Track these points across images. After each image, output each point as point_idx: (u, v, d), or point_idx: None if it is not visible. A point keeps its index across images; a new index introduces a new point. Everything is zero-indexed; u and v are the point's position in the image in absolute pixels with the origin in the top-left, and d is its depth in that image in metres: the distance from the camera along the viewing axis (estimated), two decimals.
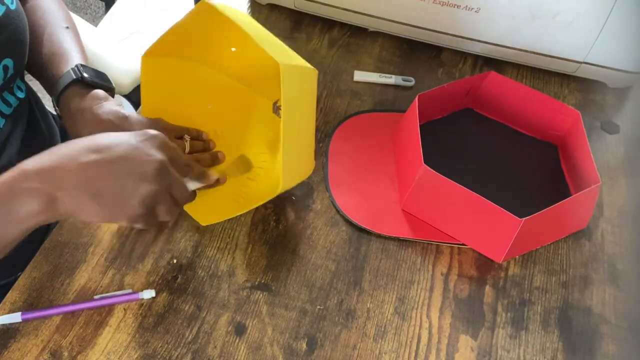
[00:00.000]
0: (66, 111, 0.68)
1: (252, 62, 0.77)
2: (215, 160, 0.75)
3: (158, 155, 0.53)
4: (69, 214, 0.52)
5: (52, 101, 0.70)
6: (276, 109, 0.80)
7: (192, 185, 0.63)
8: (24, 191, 0.50)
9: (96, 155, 0.51)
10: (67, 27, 0.77)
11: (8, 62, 0.68)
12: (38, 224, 0.52)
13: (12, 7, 0.68)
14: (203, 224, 0.71)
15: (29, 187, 0.50)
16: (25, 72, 0.78)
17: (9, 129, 0.73)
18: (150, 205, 0.53)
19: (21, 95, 0.76)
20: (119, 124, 0.65)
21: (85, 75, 0.68)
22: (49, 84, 0.71)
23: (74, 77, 0.68)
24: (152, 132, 0.55)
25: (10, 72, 0.69)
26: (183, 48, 0.74)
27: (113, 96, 0.71)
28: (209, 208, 0.71)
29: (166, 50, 0.73)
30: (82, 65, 0.70)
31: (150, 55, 0.72)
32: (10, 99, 0.74)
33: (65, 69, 0.69)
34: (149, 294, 0.66)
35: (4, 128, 0.72)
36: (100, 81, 0.70)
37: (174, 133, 0.71)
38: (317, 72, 0.72)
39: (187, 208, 0.71)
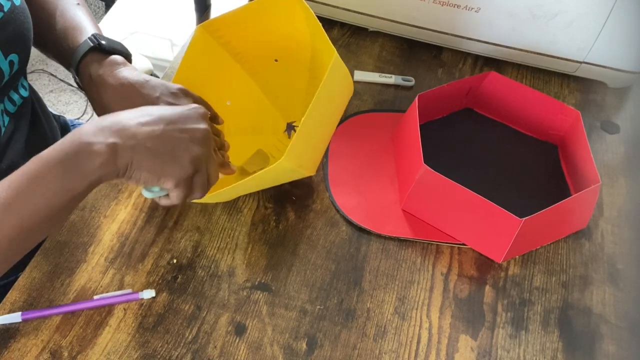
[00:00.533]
0: (86, 79, 0.69)
1: (282, 77, 0.80)
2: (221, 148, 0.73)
3: (204, 124, 0.58)
4: (127, 168, 0.55)
5: (72, 73, 0.71)
6: (289, 128, 0.82)
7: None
8: (89, 145, 0.53)
9: (152, 117, 0.56)
10: (78, 4, 0.77)
11: (14, 57, 0.68)
12: (101, 178, 0.54)
13: (17, 2, 0.69)
14: (211, 201, 0.72)
15: (94, 142, 0.53)
16: (27, 72, 0.78)
17: (12, 128, 0.73)
18: (195, 168, 0.57)
19: (25, 94, 0.76)
20: (140, 86, 0.66)
21: (103, 42, 0.69)
22: (66, 57, 0.72)
23: (91, 44, 0.69)
24: (196, 105, 0.60)
25: (16, 67, 0.70)
26: (231, 36, 0.77)
27: (130, 62, 0.72)
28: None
29: (219, 31, 0.76)
30: (97, 34, 0.71)
31: (204, 29, 0.76)
32: (15, 97, 0.74)
33: (82, 39, 0.70)
34: (149, 294, 0.66)
35: (8, 127, 0.73)
36: (118, 47, 0.71)
37: (193, 100, 0.70)
38: (352, 91, 0.74)
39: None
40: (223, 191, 0.64)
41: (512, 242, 0.67)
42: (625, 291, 0.70)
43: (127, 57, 0.72)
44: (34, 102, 0.82)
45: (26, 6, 0.71)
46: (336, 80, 0.68)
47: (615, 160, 0.84)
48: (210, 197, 0.67)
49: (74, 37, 0.72)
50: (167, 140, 0.55)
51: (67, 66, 0.73)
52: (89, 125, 0.54)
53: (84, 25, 0.74)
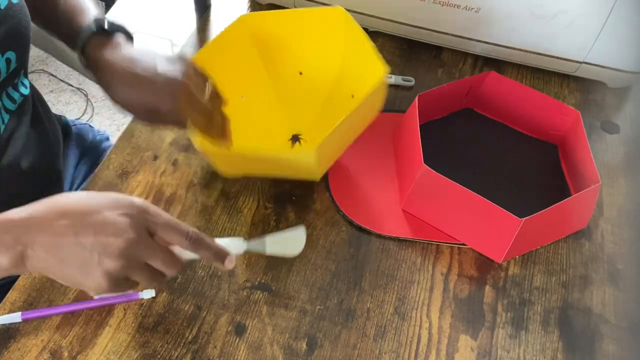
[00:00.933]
0: (92, 61, 0.69)
1: (301, 89, 0.81)
2: (223, 130, 0.70)
3: (129, 232, 0.50)
4: (38, 272, 0.52)
5: (77, 54, 0.71)
6: (294, 139, 0.82)
7: (187, 255, 0.56)
8: None
9: (67, 221, 0.50)
10: None
11: (10, 54, 0.69)
12: (5, 275, 0.51)
13: (15, 0, 0.69)
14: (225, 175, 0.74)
15: (1, 240, 0.49)
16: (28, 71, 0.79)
17: (13, 125, 0.73)
18: (116, 278, 0.51)
19: (25, 92, 0.76)
20: (138, 58, 0.67)
21: (105, 25, 0.70)
22: (71, 39, 0.72)
23: (94, 28, 0.69)
24: (135, 202, 0.53)
25: (13, 65, 0.70)
26: (266, 37, 0.78)
27: (132, 41, 0.73)
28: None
29: (257, 28, 0.78)
30: (99, 17, 0.72)
31: (244, 21, 0.78)
32: (15, 94, 0.74)
33: (85, 22, 0.71)
34: (149, 293, 0.66)
35: (9, 124, 0.73)
36: (120, 28, 0.72)
37: (189, 66, 0.68)
38: (374, 116, 0.75)
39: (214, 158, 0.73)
40: (231, 154, 0.67)
41: (512, 242, 0.67)
42: (625, 291, 0.70)
43: (130, 36, 0.72)
44: (35, 101, 0.82)
45: (24, 3, 0.71)
46: (377, 98, 0.71)
47: (615, 160, 0.84)
48: (219, 154, 0.69)
49: (77, 20, 0.72)
50: (76, 252, 0.50)
51: (72, 47, 0.73)
52: (8, 216, 0.50)
53: (87, 6, 0.75)
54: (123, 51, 0.68)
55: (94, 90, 2.00)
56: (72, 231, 0.50)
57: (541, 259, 0.73)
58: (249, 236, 0.72)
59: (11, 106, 0.73)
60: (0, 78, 0.68)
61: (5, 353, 0.61)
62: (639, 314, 0.69)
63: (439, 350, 0.64)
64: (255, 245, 0.62)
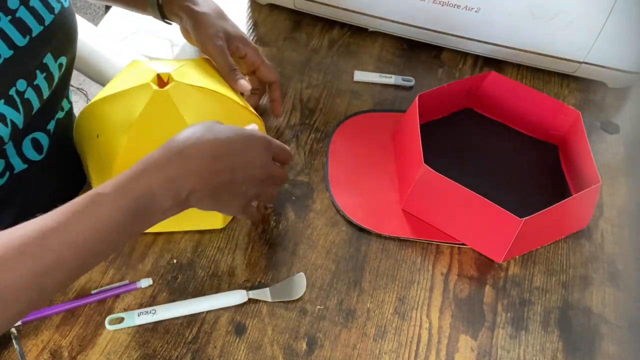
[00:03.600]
0: (176, 10, 0.75)
1: None
2: None
3: (267, 164, 0.60)
4: (192, 206, 0.57)
5: (153, 10, 0.78)
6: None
7: None
8: (158, 200, 0.54)
9: (222, 163, 0.57)
10: None
11: (63, 59, 0.69)
12: (167, 218, 0.57)
13: (66, 4, 0.70)
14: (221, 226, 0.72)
15: (162, 197, 0.54)
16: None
17: (59, 137, 0.76)
18: (251, 201, 0.62)
19: (67, 106, 0.78)
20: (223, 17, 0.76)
21: None
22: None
23: None
24: (258, 134, 0.60)
25: (64, 69, 0.71)
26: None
27: None
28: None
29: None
30: None
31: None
32: (66, 105, 0.77)
33: None
34: (146, 282, 0.66)
35: (53, 136, 0.74)
36: None
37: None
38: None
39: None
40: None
41: (512, 242, 0.67)
42: (625, 291, 0.70)
43: None
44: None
45: (73, 9, 0.72)
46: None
47: (615, 160, 0.84)
48: None
49: None
50: (229, 190, 0.58)
51: (143, 8, 0.79)
52: (156, 176, 0.53)
53: None
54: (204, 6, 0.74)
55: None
56: (227, 176, 0.57)
57: (541, 259, 0.73)
58: (248, 237, 0.72)
59: (61, 116, 0.75)
60: (53, 84, 0.69)
61: (5, 353, 0.61)
62: (639, 314, 0.69)
63: (439, 350, 0.64)
64: (258, 294, 0.66)
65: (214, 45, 0.71)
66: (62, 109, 0.75)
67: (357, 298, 0.68)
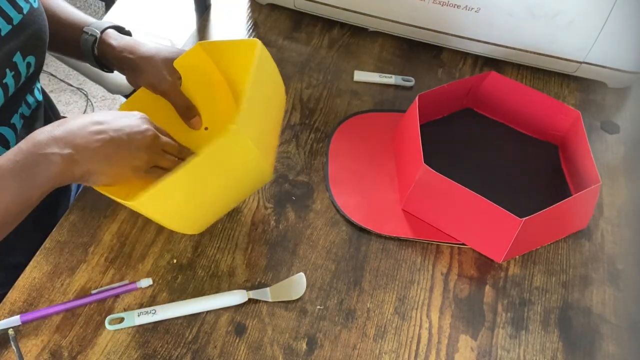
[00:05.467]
0: (109, 54, 0.75)
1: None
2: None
3: (149, 130, 0.62)
4: (83, 175, 0.59)
5: (89, 57, 0.76)
6: None
7: None
8: (45, 157, 0.56)
9: (102, 126, 0.59)
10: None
11: (31, 59, 0.70)
12: (55, 186, 0.58)
13: (35, 5, 0.70)
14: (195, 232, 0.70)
15: (49, 153, 0.56)
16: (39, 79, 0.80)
17: (25, 132, 0.74)
18: (145, 169, 0.62)
19: (39, 97, 0.77)
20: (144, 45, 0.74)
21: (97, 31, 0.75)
22: (75, 47, 0.77)
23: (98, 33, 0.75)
24: (139, 113, 0.64)
25: (32, 69, 0.71)
26: (227, 64, 0.75)
27: (129, 33, 0.79)
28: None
29: (215, 55, 0.75)
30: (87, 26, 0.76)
31: (201, 46, 0.75)
32: (31, 100, 0.75)
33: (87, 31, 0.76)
34: (146, 282, 0.66)
35: (21, 131, 0.73)
36: (114, 26, 0.77)
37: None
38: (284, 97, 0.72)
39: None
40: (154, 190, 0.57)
41: (512, 242, 0.67)
42: (625, 291, 0.70)
43: (122, 30, 0.78)
44: (46, 107, 0.82)
45: (43, 9, 0.72)
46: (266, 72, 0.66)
47: (615, 160, 0.84)
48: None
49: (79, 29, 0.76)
50: (118, 146, 0.59)
51: (78, 55, 0.77)
52: (41, 135, 0.57)
53: (81, 16, 0.79)
54: (143, 48, 0.73)
55: (94, 90, 2.00)
56: (110, 131, 0.59)
57: (541, 259, 0.73)
58: (248, 237, 0.72)
59: (26, 111, 0.74)
60: (20, 82, 0.69)
61: (5, 353, 0.61)
62: (639, 314, 0.69)
63: (439, 350, 0.64)
64: (258, 294, 0.66)
65: (164, 87, 0.72)
66: (29, 106, 0.75)
67: (357, 298, 0.68)
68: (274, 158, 0.71)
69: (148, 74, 0.71)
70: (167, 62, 0.72)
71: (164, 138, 0.64)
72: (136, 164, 0.61)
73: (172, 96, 0.72)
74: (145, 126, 0.62)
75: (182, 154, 0.66)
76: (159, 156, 0.63)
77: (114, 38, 0.74)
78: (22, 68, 0.68)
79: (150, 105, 0.73)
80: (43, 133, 0.57)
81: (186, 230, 0.67)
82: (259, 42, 0.65)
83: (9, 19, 0.65)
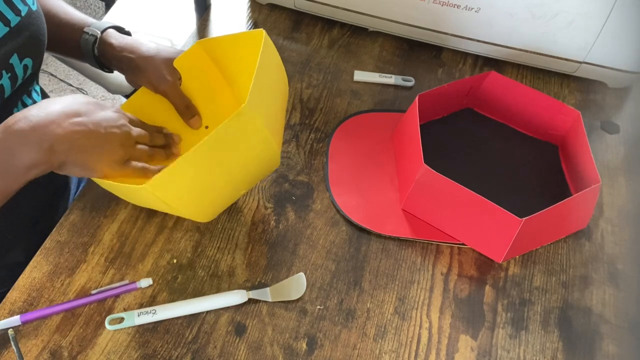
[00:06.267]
0: (109, 54, 0.75)
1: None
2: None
3: (125, 124, 0.63)
4: (60, 164, 0.58)
5: (93, 57, 0.76)
6: None
7: None
8: (23, 145, 0.56)
9: (81, 118, 0.59)
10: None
11: (28, 61, 0.70)
12: (36, 175, 0.58)
13: (34, 7, 0.70)
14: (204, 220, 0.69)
15: (27, 141, 0.56)
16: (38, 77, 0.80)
17: None
18: (121, 162, 0.62)
19: (38, 99, 0.77)
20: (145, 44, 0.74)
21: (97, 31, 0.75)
22: (75, 47, 0.77)
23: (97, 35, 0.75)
24: (115, 107, 0.65)
25: (29, 71, 0.71)
26: (226, 60, 0.75)
27: (128, 33, 0.79)
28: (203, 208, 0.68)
29: (214, 52, 0.75)
30: (87, 26, 0.76)
31: (201, 45, 0.75)
32: (29, 102, 0.75)
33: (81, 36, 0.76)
34: (146, 282, 0.66)
35: None
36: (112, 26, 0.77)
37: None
38: (287, 88, 0.71)
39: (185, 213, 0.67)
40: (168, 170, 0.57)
41: (512, 242, 0.67)
42: (625, 291, 0.70)
43: (121, 29, 0.78)
44: None
45: (42, 12, 0.72)
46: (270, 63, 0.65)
47: (615, 160, 0.84)
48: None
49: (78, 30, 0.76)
50: (96, 139, 0.60)
51: (79, 54, 0.77)
52: (19, 125, 0.56)
53: (81, 16, 0.79)
54: (142, 47, 0.73)
55: (94, 90, 2.00)
56: (89, 122, 0.59)
57: (541, 259, 0.73)
58: (248, 237, 0.72)
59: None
60: (17, 84, 0.69)
61: (5, 353, 0.61)
62: (639, 314, 0.69)
63: (439, 350, 0.64)
64: (258, 294, 0.66)
65: (164, 87, 0.71)
66: (25, 105, 0.75)
67: (357, 298, 0.68)
68: (280, 146, 0.70)
69: (148, 74, 0.71)
70: (168, 62, 0.72)
71: (136, 130, 0.65)
72: (112, 158, 0.61)
73: (172, 96, 0.72)
74: (121, 121, 0.62)
75: (154, 141, 0.67)
76: (132, 149, 0.63)
77: (115, 38, 0.74)
78: (18, 70, 0.68)
79: (150, 105, 0.73)
80: (21, 121, 0.57)
81: (196, 217, 0.66)
82: (264, 32, 0.65)
83: (6, 21, 0.65)
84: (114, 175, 0.62)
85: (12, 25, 0.66)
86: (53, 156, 0.57)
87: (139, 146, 0.64)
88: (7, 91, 0.68)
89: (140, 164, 0.64)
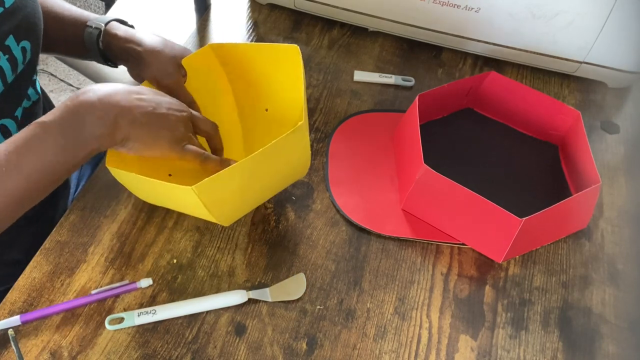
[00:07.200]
0: (115, 47, 0.75)
1: (266, 126, 0.77)
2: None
3: (185, 108, 0.65)
4: (123, 139, 0.60)
5: (97, 50, 0.76)
6: None
7: None
8: (91, 115, 0.58)
9: (144, 95, 0.62)
10: None
11: (25, 44, 0.69)
12: (98, 148, 0.59)
13: None
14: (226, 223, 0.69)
15: (94, 111, 0.58)
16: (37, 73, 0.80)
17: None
18: (180, 144, 0.64)
19: (35, 97, 0.77)
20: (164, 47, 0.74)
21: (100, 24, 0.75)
22: (77, 44, 0.77)
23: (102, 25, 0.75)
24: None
25: (29, 55, 0.70)
26: (234, 67, 0.76)
27: (131, 26, 0.78)
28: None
29: (224, 57, 0.76)
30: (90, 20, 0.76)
31: (212, 48, 0.76)
32: (32, 92, 0.75)
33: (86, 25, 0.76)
34: (146, 282, 0.66)
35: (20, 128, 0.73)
36: (114, 20, 0.76)
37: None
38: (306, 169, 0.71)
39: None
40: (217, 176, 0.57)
41: (512, 242, 0.67)
42: (625, 291, 0.70)
43: (124, 22, 0.78)
44: (45, 104, 0.82)
45: None
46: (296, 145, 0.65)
47: (615, 160, 0.84)
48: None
49: (80, 24, 0.76)
50: (158, 117, 0.61)
51: (81, 52, 0.77)
52: (87, 95, 0.58)
53: (81, 11, 0.79)
54: (145, 40, 0.73)
55: None
56: (153, 102, 0.62)
57: (541, 259, 0.73)
58: (248, 237, 0.72)
59: (26, 103, 0.74)
60: (18, 68, 0.68)
61: (5, 353, 0.61)
62: (639, 314, 0.69)
63: (439, 350, 0.64)
64: (258, 294, 0.66)
65: (168, 82, 0.71)
66: (29, 99, 0.75)
67: (357, 298, 0.68)
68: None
69: (153, 68, 0.71)
70: (175, 59, 0.72)
71: (197, 114, 0.67)
72: (175, 136, 0.62)
73: (176, 92, 0.72)
74: (182, 106, 0.65)
75: (214, 135, 0.69)
76: (192, 135, 0.65)
77: (119, 29, 0.74)
78: (17, 53, 0.68)
79: None
80: (88, 92, 0.59)
81: (222, 222, 0.66)
82: (298, 47, 0.68)
83: (0, 2, 0.65)
84: (172, 157, 0.64)
85: (6, 6, 0.66)
86: (117, 130, 0.59)
87: (195, 139, 0.66)
88: (9, 74, 0.67)
89: (200, 150, 0.65)
